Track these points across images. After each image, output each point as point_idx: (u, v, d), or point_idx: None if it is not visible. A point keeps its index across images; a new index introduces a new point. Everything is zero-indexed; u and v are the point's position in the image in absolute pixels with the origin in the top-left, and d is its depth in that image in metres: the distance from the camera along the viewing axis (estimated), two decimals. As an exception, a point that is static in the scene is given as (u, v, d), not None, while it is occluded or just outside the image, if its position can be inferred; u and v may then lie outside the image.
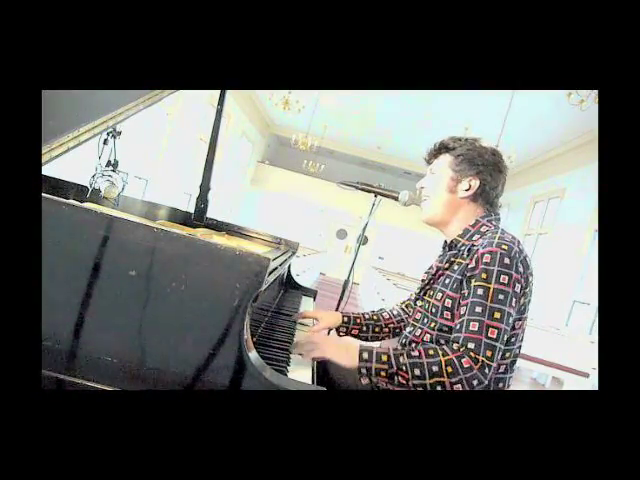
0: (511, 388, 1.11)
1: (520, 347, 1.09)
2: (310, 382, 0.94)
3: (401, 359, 0.98)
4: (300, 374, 0.95)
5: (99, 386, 0.72)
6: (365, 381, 1.01)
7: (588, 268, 5.94)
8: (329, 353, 1.03)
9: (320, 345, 1.05)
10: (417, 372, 0.96)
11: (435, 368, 0.95)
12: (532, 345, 3.73)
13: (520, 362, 3.90)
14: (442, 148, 1.19)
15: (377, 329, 1.35)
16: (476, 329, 0.96)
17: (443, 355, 0.95)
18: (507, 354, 1.05)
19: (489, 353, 0.94)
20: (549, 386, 4.98)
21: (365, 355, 1.00)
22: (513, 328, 1.03)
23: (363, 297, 8.45)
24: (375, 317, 1.37)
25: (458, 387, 0.93)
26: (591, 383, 3.79)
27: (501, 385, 1.07)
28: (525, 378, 5.25)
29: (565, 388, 4.03)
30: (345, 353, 1.02)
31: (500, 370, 1.06)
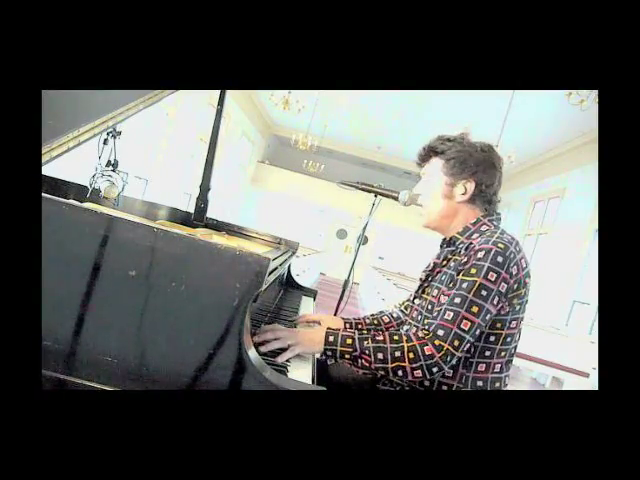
0: (511, 388, 1.11)
1: (516, 347, 1.10)
2: (310, 382, 0.94)
3: (365, 343, 1.01)
4: (300, 374, 0.95)
5: (99, 386, 0.72)
6: (331, 362, 1.05)
7: (588, 268, 5.94)
8: (296, 342, 1.00)
9: (287, 336, 1.01)
10: (380, 356, 0.98)
11: (397, 353, 0.97)
12: (532, 345, 3.73)
13: (520, 362, 3.91)
14: (432, 151, 1.16)
15: None
16: (449, 318, 0.98)
17: (407, 341, 0.98)
18: (503, 353, 1.05)
19: (456, 343, 0.96)
20: (549, 386, 4.98)
21: (331, 338, 1.03)
22: (510, 328, 1.04)
23: (363, 297, 8.45)
24: (375, 321, 1.37)
25: (418, 372, 0.96)
26: (591, 383, 3.79)
27: (498, 385, 1.07)
28: (525, 378, 5.25)
29: (565, 388, 4.03)
30: (311, 339, 1.03)
31: (495, 369, 1.06)
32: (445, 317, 0.98)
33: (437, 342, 0.96)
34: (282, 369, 0.92)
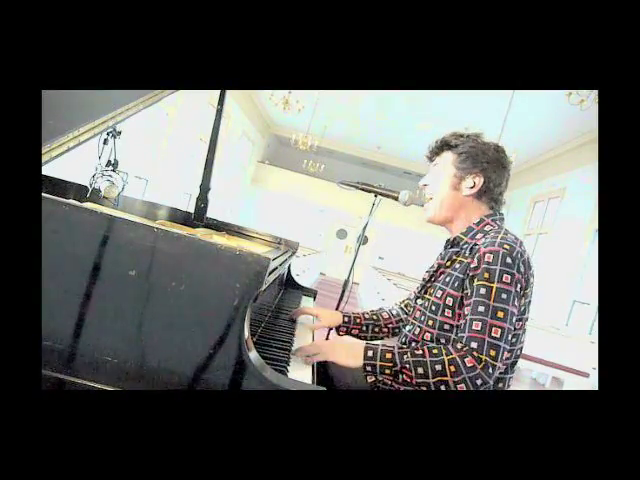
0: (511, 388, 1.11)
1: (521, 348, 1.09)
2: (310, 382, 0.94)
3: (405, 357, 0.98)
4: (300, 374, 0.95)
5: (99, 386, 0.72)
6: (371, 379, 1.02)
7: (588, 268, 5.94)
8: (333, 355, 1.03)
9: (324, 348, 1.05)
10: (420, 370, 0.96)
11: (438, 367, 0.95)
12: (532, 345, 3.73)
13: (520, 362, 3.86)
14: (444, 145, 1.18)
15: (376, 329, 1.36)
16: (479, 328, 0.96)
17: (447, 354, 0.95)
18: (508, 354, 1.05)
19: (493, 352, 0.94)
20: (549, 386, 4.98)
21: (370, 353, 1.01)
22: (515, 328, 1.03)
23: (363, 297, 8.45)
24: (375, 317, 1.37)
25: (462, 387, 0.93)
26: (591, 383, 3.79)
27: (500, 385, 1.07)
28: (525, 378, 5.25)
29: (565, 388, 4.03)
30: (349, 352, 1.03)
31: (500, 371, 1.05)
32: (474, 328, 0.96)
33: (475, 354, 0.94)
34: (282, 369, 0.92)
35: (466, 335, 0.97)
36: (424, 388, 0.97)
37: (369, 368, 1.00)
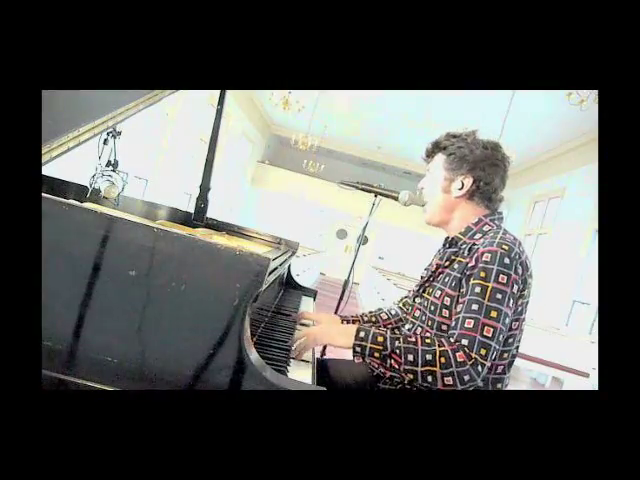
0: (511, 388, 1.11)
1: (517, 348, 1.09)
2: (310, 382, 0.94)
3: (396, 342, 0.98)
4: (300, 374, 0.95)
5: (99, 386, 0.72)
6: (358, 360, 1.02)
7: (588, 268, 5.94)
8: (325, 337, 1.05)
9: (314, 334, 1.06)
10: (410, 358, 0.96)
11: (428, 357, 0.95)
12: (532, 345, 3.73)
13: (520, 362, 3.90)
14: (436, 148, 1.19)
15: None
16: (471, 326, 0.95)
17: (439, 346, 0.95)
18: (505, 355, 1.05)
19: (483, 351, 0.94)
20: (549, 386, 4.99)
21: (362, 334, 1.01)
22: (510, 329, 1.03)
23: (363, 297, 8.45)
24: (373, 318, 1.37)
25: (449, 380, 0.93)
26: (591, 383, 3.79)
27: (499, 386, 1.07)
28: (525, 378, 5.25)
29: (565, 388, 4.03)
30: (341, 333, 1.04)
31: (498, 371, 1.06)
32: (466, 326, 0.96)
33: (466, 350, 0.93)
34: (282, 369, 0.92)
35: (458, 332, 0.97)
36: (410, 376, 0.97)
37: (358, 349, 1.00)
